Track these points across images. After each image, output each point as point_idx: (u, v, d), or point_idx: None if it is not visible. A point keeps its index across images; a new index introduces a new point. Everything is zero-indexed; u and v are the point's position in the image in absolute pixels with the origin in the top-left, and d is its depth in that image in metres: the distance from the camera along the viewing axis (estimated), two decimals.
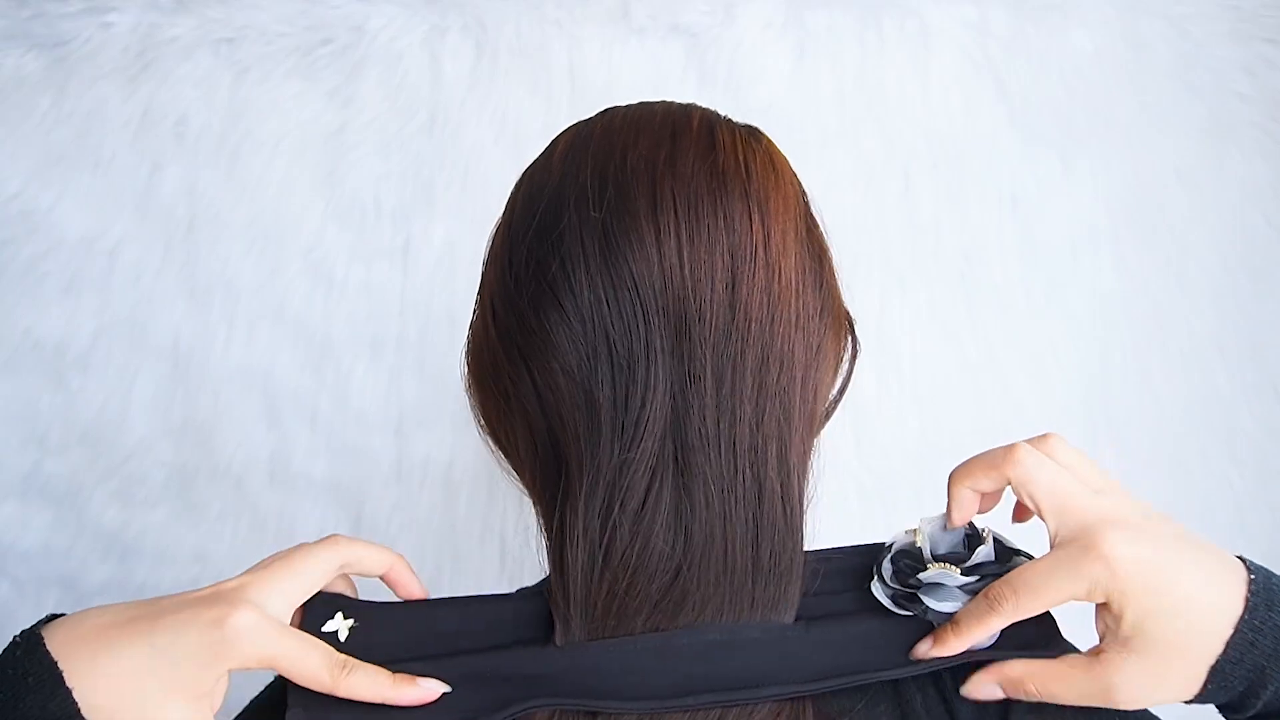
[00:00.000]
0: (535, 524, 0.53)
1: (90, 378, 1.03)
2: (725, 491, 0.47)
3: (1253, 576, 0.45)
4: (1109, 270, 1.06)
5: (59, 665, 0.43)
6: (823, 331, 0.50)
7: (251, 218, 1.04)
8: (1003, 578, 0.48)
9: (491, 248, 0.53)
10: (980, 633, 0.48)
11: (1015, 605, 0.47)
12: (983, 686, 0.49)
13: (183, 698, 0.44)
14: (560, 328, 0.47)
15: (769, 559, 0.48)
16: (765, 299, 0.47)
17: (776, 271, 0.48)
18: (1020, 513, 0.54)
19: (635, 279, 0.46)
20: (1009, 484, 0.49)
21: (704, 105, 0.54)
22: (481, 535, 1.02)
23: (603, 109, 0.54)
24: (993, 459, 0.49)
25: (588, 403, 0.47)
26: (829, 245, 0.53)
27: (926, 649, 0.50)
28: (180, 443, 1.03)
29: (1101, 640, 0.48)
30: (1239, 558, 0.47)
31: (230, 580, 0.47)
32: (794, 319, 0.48)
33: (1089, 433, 1.05)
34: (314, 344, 1.04)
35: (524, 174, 0.54)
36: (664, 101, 0.54)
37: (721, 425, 0.47)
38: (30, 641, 0.44)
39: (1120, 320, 1.06)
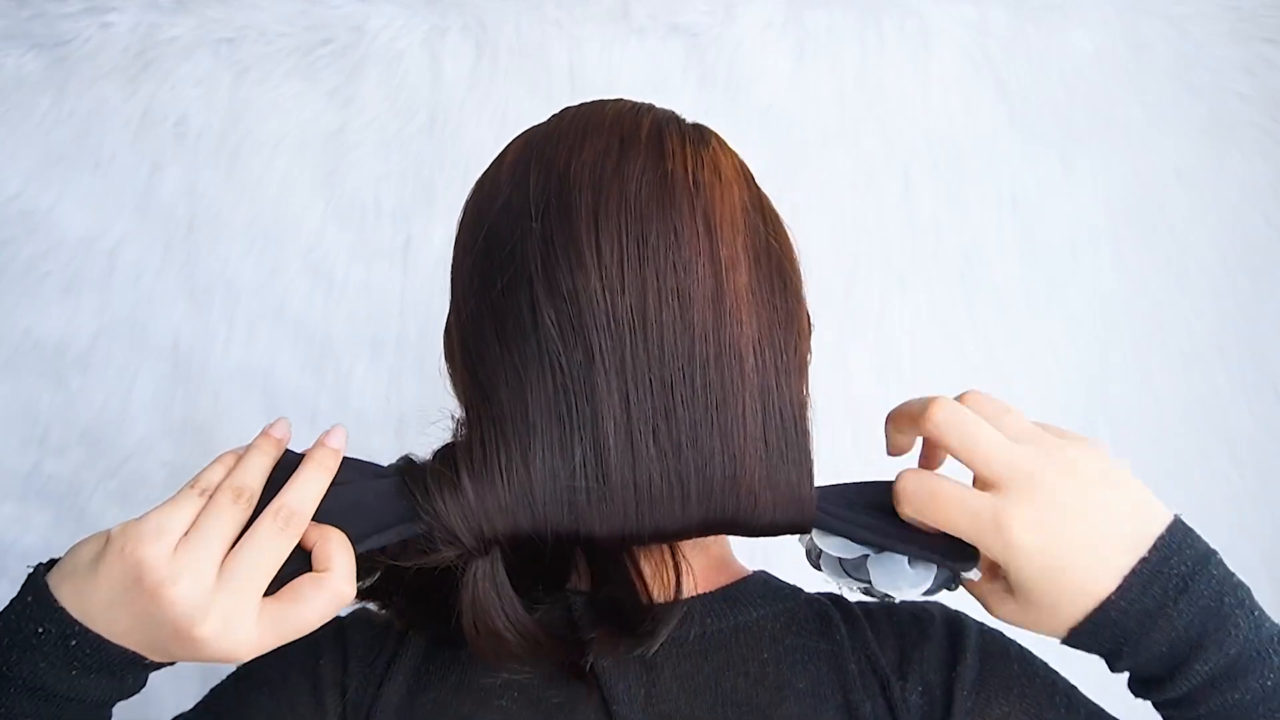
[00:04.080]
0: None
1: (90, 378, 1.03)
2: (676, 500, 0.46)
3: (1145, 557, 0.45)
4: (1109, 270, 1.06)
5: (132, 651, 0.44)
6: (785, 337, 0.49)
7: (251, 218, 1.04)
8: (917, 472, 0.49)
9: (452, 258, 0.53)
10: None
11: (912, 504, 0.48)
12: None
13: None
14: (501, 344, 0.47)
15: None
16: (715, 312, 0.46)
17: (726, 285, 0.47)
18: (929, 460, 0.54)
19: (576, 292, 0.46)
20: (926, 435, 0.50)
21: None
22: None
23: (558, 110, 0.53)
24: (910, 412, 0.50)
25: (536, 418, 0.46)
26: (795, 250, 0.52)
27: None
28: (180, 443, 1.03)
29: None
30: (1172, 521, 0.47)
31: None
32: (748, 332, 0.47)
33: (1089, 433, 1.04)
34: (314, 344, 1.04)
35: (475, 183, 0.53)
36: (617, 101, 0.53)
37: (675, 439, 0.46)
38: (95, 641, 0.44)
39: (1120, 320, 1.06)
